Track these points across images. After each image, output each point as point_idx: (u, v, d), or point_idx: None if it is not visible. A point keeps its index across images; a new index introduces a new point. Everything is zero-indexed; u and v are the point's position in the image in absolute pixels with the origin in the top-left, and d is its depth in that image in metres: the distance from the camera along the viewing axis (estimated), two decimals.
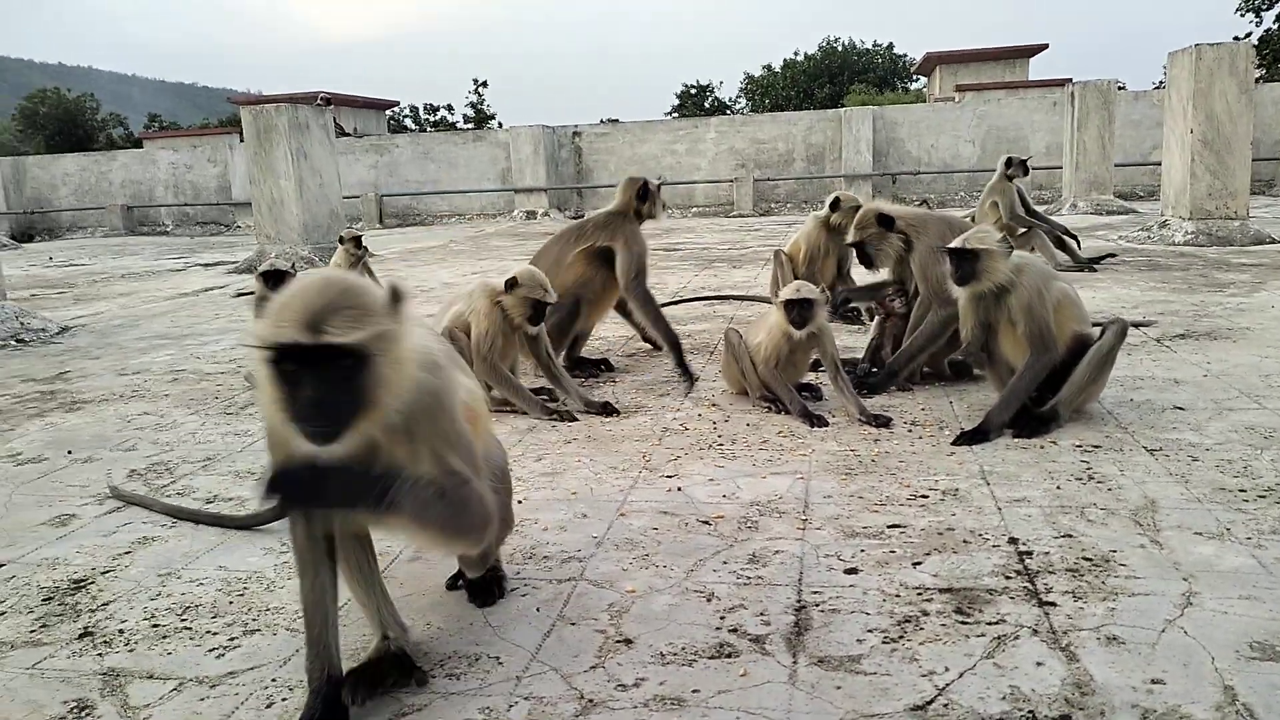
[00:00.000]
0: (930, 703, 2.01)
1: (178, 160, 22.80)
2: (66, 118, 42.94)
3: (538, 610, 2.53)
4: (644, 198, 5.27)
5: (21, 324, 7.23)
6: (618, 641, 2.34)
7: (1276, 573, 2.52)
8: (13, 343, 6.99)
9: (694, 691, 2.10)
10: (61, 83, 48.93)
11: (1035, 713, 1.95)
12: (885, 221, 4.59)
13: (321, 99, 23.38)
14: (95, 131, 43.84)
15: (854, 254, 4.89)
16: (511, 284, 4.29)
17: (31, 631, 2.53)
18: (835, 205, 6.36)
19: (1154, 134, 17.05)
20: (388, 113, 34.61)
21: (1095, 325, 4.13)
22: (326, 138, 11.98)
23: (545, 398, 4.60)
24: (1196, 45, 10.16)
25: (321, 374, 1.62)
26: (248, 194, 21.42)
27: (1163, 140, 11.06)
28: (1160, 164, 11.41)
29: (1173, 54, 10.60)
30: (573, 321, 5.23)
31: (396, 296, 1.72)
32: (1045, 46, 30.63)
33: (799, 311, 4.16)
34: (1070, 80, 20.55)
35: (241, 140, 25.62)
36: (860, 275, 6.47)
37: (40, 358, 6.56)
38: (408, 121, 43.81)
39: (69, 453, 4.18)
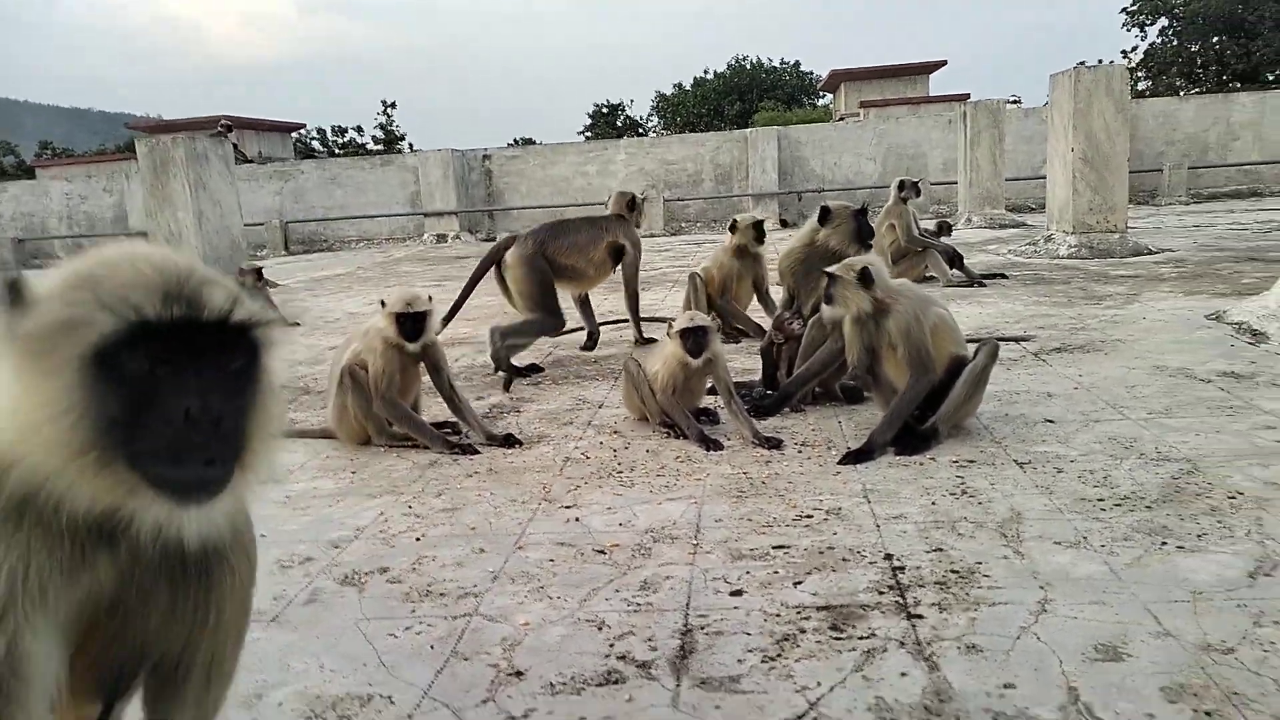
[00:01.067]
0: (801, 717, 2.14)
1: (72, 190, 22.10)
2: None
3: (431, 648, 2.58)
4: (633, 207, 6.75)
5: None
6: (509, 674, 2.41)
7: (1125, 578, 2.72)
8: None
9: (580, 719, 2.19)
10: None
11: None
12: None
13: (224, 124, 22.92)
14: None
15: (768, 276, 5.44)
16: (382, 304, 4.39)
17: None
18: (733, 228, 6.58)
19: (1044, 149, 17.83)
20: (294, 135, 34.07)
21: (972, 343, 4.36)
22: (225, 167, 11.79)
23: (448, 431, 4.65)
24: (1076, 67, 10.71)
25: (203, 374, 1.06)
26: (146, 224, 20.98)
27: (1047, 157, 11.60)
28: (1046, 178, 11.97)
29: (1054, 76, 11.15)
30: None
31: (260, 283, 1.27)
32: (944, 63, 31.81)
33: (694, 340, 4.29)
34: (968, 95, 21.32)
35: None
36: (776, 296, 6.64)
37: None
38: (315, 144, 43.09)
39: None
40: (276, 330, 1.14)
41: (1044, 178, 14.91)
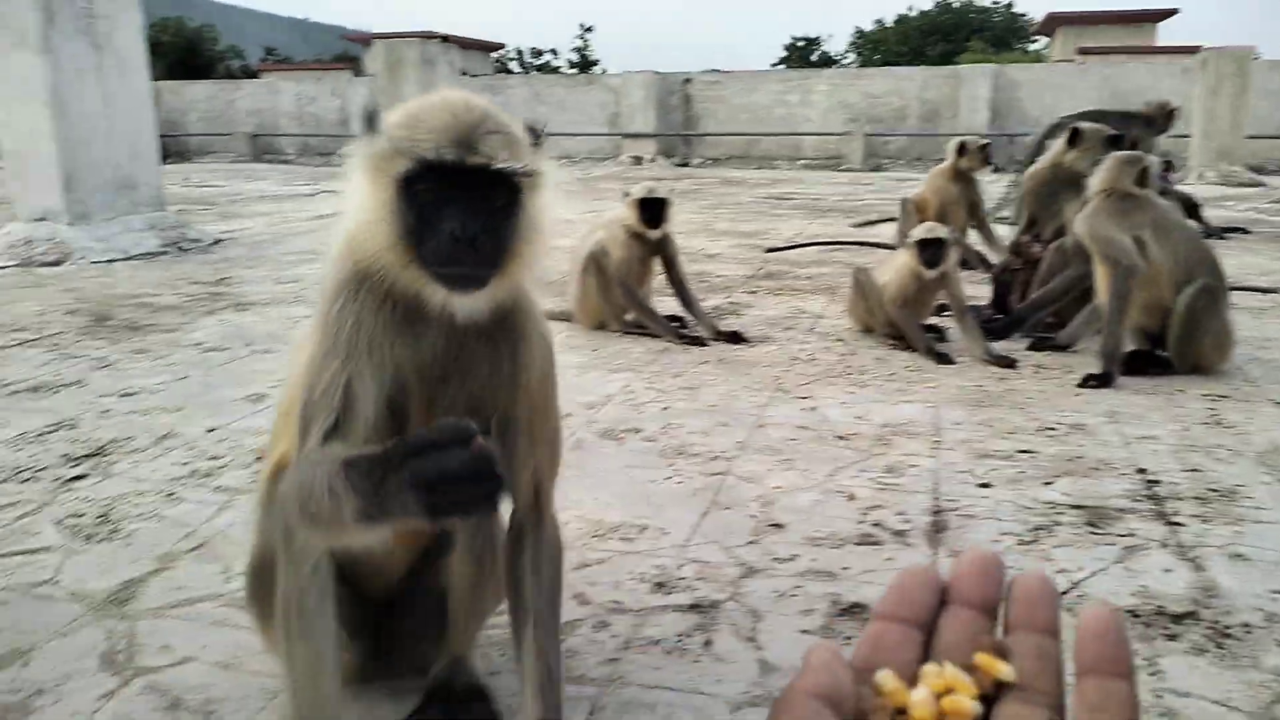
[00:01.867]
0: (1065, 593, 2.22)
1: (301, 92, 23.56)
2: (188, 47, 44.41)
3: (693, 495, 2.80)
4: None
5: (181, 233, 7.78)
6: (769, 526, 2.59)
7: None
8: (174, 250, 7.53)
9: (844, 568, 2.35)
10: (180, 12, 50.55)
11: (1164, 607, 2.15)
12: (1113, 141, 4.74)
13: (440, 38, 23.81)
14: (214, 62, 45.27)
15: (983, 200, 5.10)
16: (625, 194, 4.67)
17: (251, 481, 2.90)
18: (962, 150, 6.43)
19: None
20: (493, 55, 34.99)
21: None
22: (451, 74, 12.34)
23: (676, 325, 4.85)
24: None
25: (472, 204, 1.30)
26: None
27: None
28: None
29: None
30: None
31: (537, 135, 1.41)
32: (1175, 11, 29.29)
33: (932, 251, 4.30)
34: (1201, 48, 19.68)
35: (357, 75, 26.39)
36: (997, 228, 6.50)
37: (200, 264, 7.07)
38: (513, 65, 44.20)
39: (247, 345, 4.60)
40: (541, 179, 1.37)
41: None
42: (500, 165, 1.29)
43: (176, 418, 3.50)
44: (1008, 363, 4.16)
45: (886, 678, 0.48)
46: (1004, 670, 0.47)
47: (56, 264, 6.84)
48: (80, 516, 2.64)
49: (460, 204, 1.29)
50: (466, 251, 1.28)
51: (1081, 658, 0.47)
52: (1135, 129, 7.51)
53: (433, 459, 1.07)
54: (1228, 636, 2.03)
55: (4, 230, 7.16)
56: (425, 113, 1.33)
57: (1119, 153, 4.22)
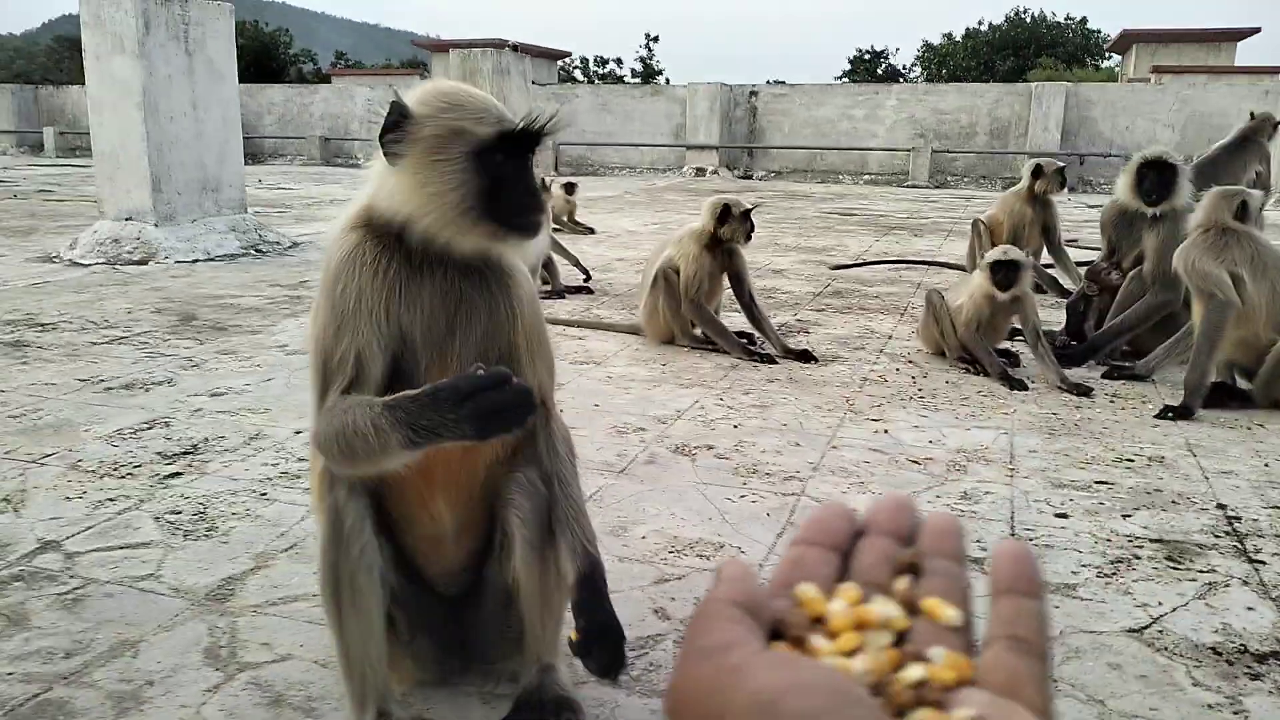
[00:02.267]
0: (1146, 628, 2.21)
1: (373, 97, 24.02)
2: (262, 51, 45.55)
3: (768, 515, 2.83)
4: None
5: (260, 236, 8.02)
6: None
7: None
8: (253, 252, 7.77)
9: None
10: (256, 15, 51.80)
11: (1247, 646, 2.13)
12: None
13: (512, 46, 24.14)
14: (287, 65, 46.35)
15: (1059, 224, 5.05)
16: (725, 214, 4.67)
17: None
18: (1038, 173, 6.37)
19: None
20: (559, 63, 35.30)
21: None
22: (524, 83, 12.52)
23: (746, 341, 4.88)
24: None
25: (528, 163, 1.55)
26: None
27: None
28: None
29: None
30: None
31: None
32: (1257, 30, 28.50)
33: (1005, 273, 4.28)
34: None
35: (424, 81, 26.75)
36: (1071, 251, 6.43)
37: (279, 267, 7.28)
38: (577, 73, 44.60)
39: None
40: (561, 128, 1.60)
41: None
42: (545, 126, 1.53)
43: (264, 419, 3.63)
44: (1084, 390, 4.12)
45: (806, 588, 0.50)
46: (929, 602, 0.50)
47: (142, 263, 7.10)
48: (179, 513, 2.76)
49: (523, 164, 1.53)
50: (538, 201, 1.54)
51: (997, 579, 0.50)
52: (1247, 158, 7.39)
53: (484, 399, 1.34)
54: None
55: (92, 229, 7.44)
56: (460, 97, 1.54)
57: (1219, 187, 4.16)
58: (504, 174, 1.51)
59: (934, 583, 0.51)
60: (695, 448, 3.40)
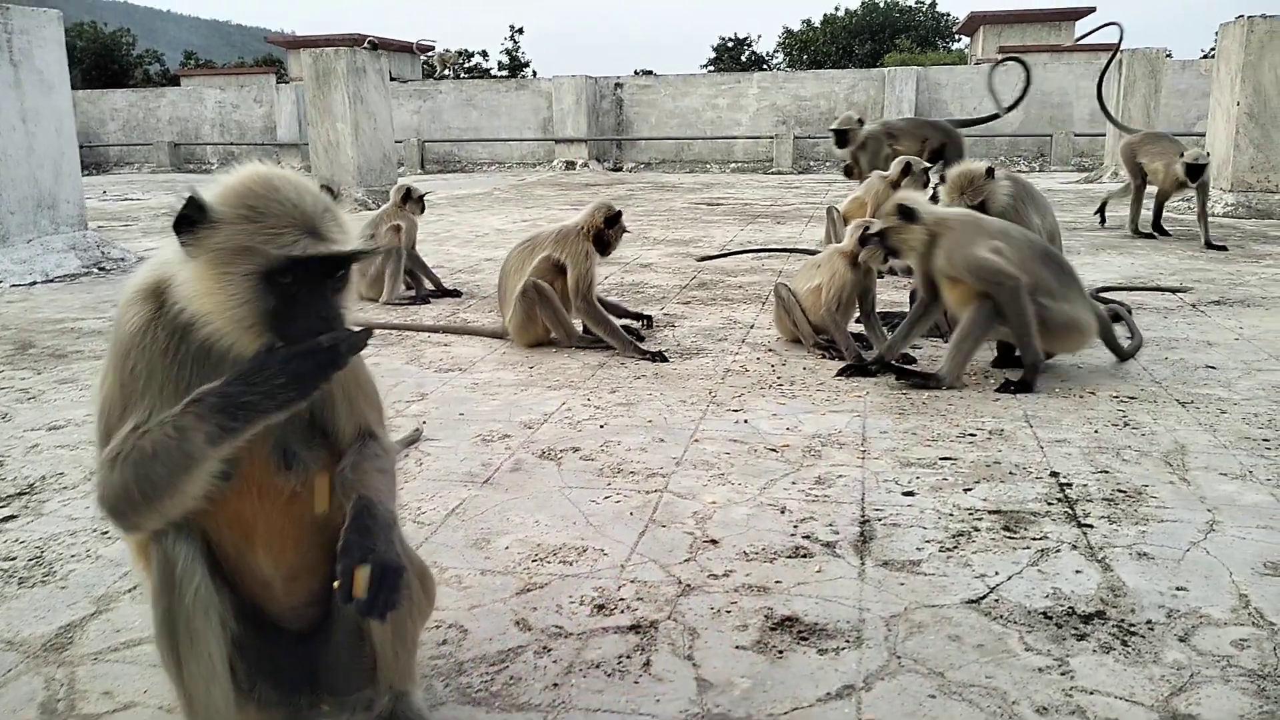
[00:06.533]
0: (983, 598, 2.34)
1: (224, 99, 23.11)
2: (104, 53, 43.09)
3: (631, 514, 2.87)
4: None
5: (103, 253, 7.62)
6: (705, 541, 2.68)
7: None
8: (96, 271, 7.38)
9: (776, 582, 2.44)
10: (96, 16, 49.10)
11: (1074, 608, 2.28)
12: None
13: (369, 43, 23.54)
14: (131, 68, 44.02)
15: None
16: (614, 220, 4.82)
17: None
18: (907, 170, 6.56)
19: (1199, 104, 16.98)
20: (423, 57, 34.63)
21: (1111, 291, 4.39)
22: (381, 82, 12.24)
23: (634, 336, 4.90)
24: (1249, 17, 10.20)
25: (323, 286, 1.48)
26: (293, 136, 21.83)
27: (1209, 111, 11.12)
28: (1204, 135, 11.48)
29: (1224, 25, 10.63)
30: None
31: (334, 195, 1.59)
32: (1092, 10, 30.23)
33: (881, 240, 4.32)
34: (1117, 45, 20.31)
35: (280, 81, 25.93)
36: None
37: (124, 286, 6.93)
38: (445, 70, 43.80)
39: None
40: (365, 250, 1.57)
41: (1197, 134, 14.24)
42: (349, 249, 1.49)
43: None
44: (908, 367, 4.30)
45: None
46: None
47: None
48: (13, 559, 2.62)
49: (315, 288, 1.47)
50: (331, 326, 1.48)
51: None
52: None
53: (298, 359, 1.43)
54: (1132, 634, 2.17)
55: None
56: (264, 203, 1.46)
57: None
58: (295, 297, 1.46)
59: None
60: (561, 451, 3.41)
